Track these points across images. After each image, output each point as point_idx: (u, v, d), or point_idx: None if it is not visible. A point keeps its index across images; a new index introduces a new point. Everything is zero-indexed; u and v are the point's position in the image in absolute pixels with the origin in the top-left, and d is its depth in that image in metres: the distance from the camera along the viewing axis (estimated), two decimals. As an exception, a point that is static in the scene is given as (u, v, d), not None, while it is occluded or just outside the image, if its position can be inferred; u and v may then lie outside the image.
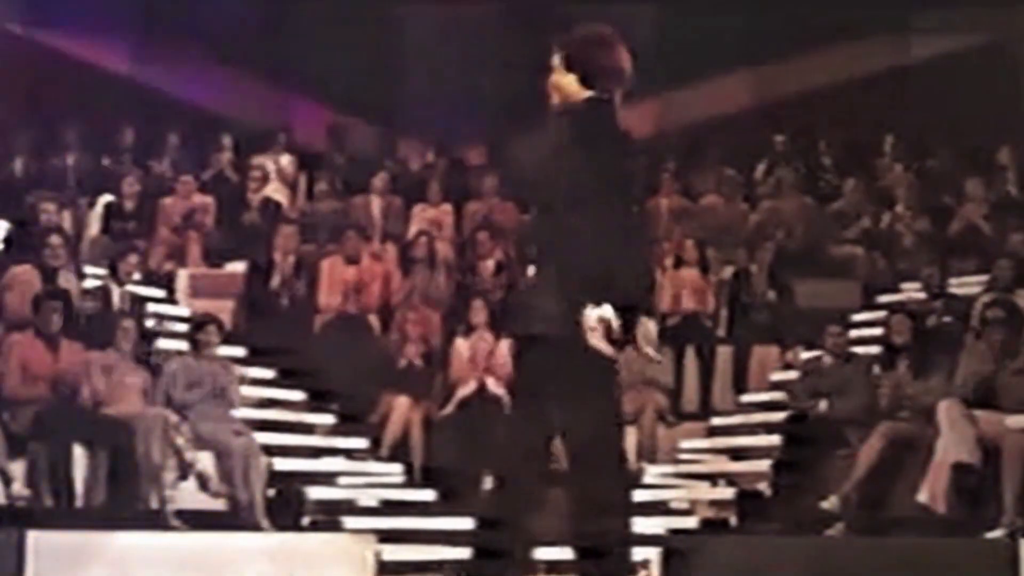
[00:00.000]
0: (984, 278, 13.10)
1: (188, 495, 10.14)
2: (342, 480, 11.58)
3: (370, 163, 16.01)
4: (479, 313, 12.73)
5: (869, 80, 17.48)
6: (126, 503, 9.88)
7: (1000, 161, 15.72)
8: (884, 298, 13.74)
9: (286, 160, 15.89)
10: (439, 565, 10.19)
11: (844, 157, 16.50)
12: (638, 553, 9.50)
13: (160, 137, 16.01)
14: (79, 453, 9.90)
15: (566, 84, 5.77)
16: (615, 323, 5.42)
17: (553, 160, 5.61)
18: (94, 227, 14.43)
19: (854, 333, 12.80)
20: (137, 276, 12.53)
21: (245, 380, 11.61)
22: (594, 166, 5.58)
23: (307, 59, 17.13)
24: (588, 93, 5.73)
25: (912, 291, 13.56)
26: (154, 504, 9.91)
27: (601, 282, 5.45)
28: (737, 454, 12.03)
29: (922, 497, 9.79)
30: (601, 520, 5.57)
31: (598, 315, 5.40)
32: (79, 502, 9.82)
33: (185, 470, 10.15)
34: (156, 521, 9.80)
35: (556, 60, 5.82)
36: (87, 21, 17.17)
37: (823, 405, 11.19)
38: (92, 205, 14.67)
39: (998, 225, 14.56)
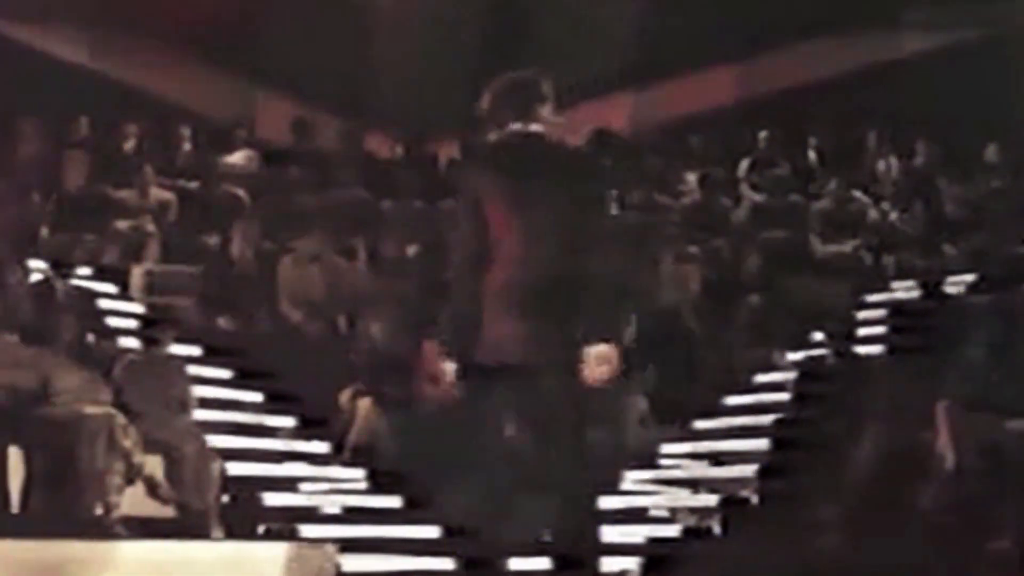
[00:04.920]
0: (977, 276, 13.05)
1: (135, 501, 9.71)
2: (301, 486, 11.22)
3: (336, 157, 15.85)
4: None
5: (857, 75, 17.46)
6: (67, 510, 9.41)
7: (988, 158, 15.78)
8: (873, 297, 13.71)
9: (248, 154, 15.73)
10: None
11: (831, 154, 16.49)
12: (617, 563, 9.24)
13: (118, 129, 15.80)
14: (15, 456, 9.43)
15: None
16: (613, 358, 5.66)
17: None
18: (45, 220, 14.06)
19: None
20: (87, 271, 12.32)
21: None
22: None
23: (271, 50, 16.97)
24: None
25: (903, 290, 13.57)
26: (98, 511, 9.46)
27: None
28: (720, 459, 11.74)
29: (920, 504, 9.38)
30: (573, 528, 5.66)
31: (596, 352, 5.63)
32: (15, 509, 9.39)
33: (132, 474, 9.65)
34: (100, 529, 9.36)
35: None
36: (44, 10, 16.91)
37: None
38: (45, 197, 14.33)
39: (989, 223, 14.50)
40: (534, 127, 5.85)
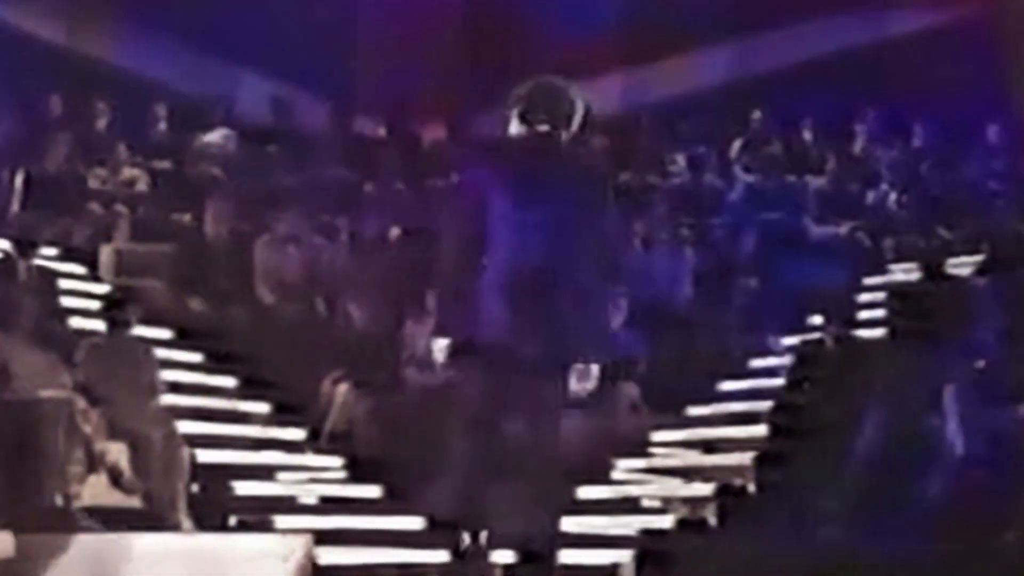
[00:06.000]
0: (979, 258, 12.81)
1: (98, 491, 9.28)
2: (276, 475, 10.95)
3: (316, 137, 15.64)
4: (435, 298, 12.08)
5: (851, 54, 17.15)
6: (24, 499, 8.84)
7: (989, 138, 15.65)
8: (872, 279, 13.57)
9: (226, 133, 15.39)
10: (383, 568, 9.56)
11: (826, 134, 16.28)
12: (609, 556, 8.94)
13: (91, 107, 15.45)
14: (-33, 443, 9.09)
15: None
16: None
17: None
18: (15, 200, 13.81)
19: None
20: (54, 251, 12.12)
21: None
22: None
23: (251, 27, 16.49)
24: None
25: (902, 272, 13.43)
26: (58, 501, 8.99)
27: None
28: (715, 447, 11.50)
29: (927, 494, 9.22)
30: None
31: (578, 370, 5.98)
32: (-33, 499, 9.02)
33: (94, 462, 9.24)
34: (60, 520, 8.73)
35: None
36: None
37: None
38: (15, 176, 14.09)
39: (989, 203, 14.46)
40: (554, 132, 6.13)
